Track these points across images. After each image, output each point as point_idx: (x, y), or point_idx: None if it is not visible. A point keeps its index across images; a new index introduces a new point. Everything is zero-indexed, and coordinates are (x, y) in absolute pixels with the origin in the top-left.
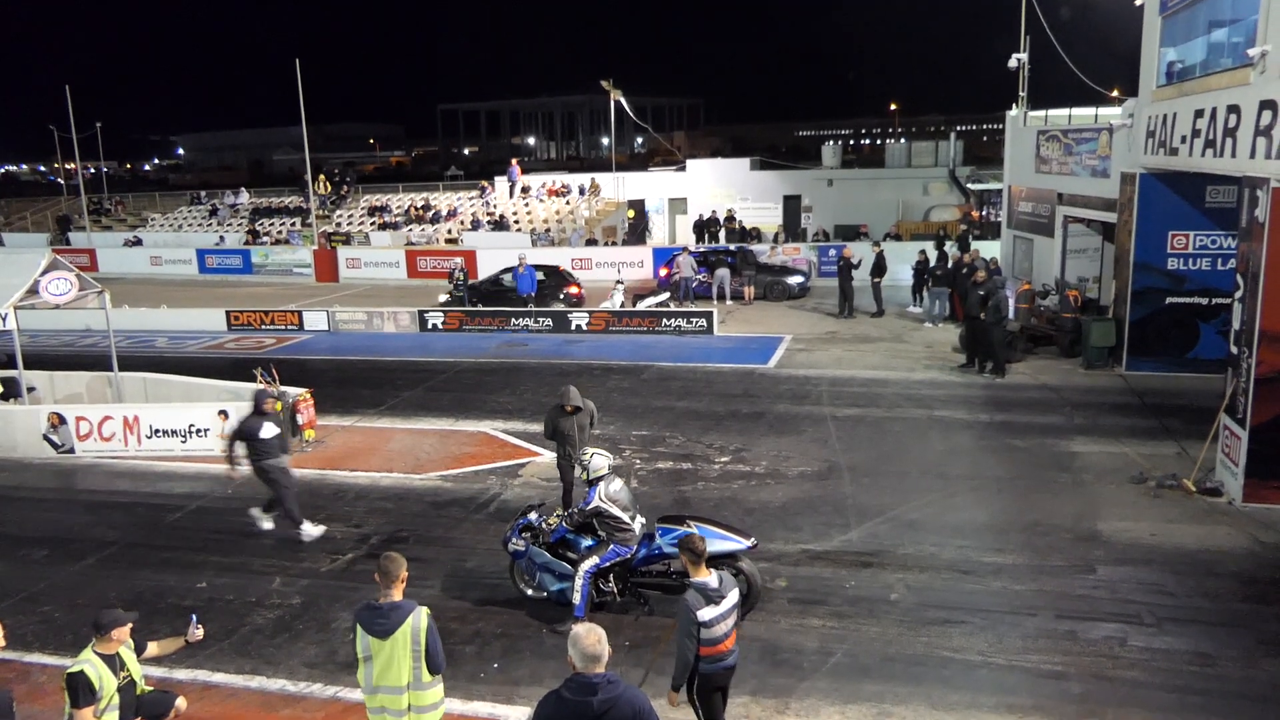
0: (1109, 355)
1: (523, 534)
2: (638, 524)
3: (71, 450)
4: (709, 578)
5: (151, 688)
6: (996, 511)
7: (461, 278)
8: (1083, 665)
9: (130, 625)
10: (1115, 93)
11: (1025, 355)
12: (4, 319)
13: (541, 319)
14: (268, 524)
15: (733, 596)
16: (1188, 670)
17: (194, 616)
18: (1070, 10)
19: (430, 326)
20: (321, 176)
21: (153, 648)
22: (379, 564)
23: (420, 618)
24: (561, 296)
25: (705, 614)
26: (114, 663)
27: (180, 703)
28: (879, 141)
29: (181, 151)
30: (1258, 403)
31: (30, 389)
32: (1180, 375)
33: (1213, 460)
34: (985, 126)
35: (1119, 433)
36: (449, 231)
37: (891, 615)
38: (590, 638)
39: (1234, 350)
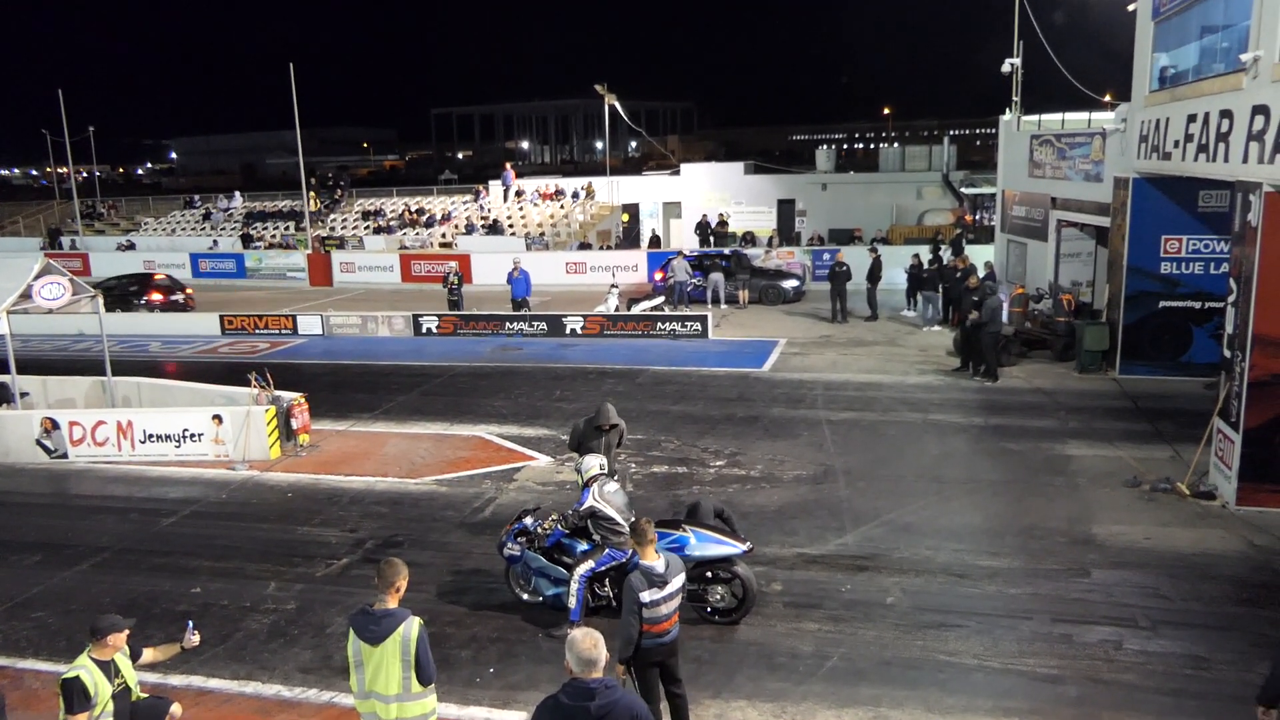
0: (1102, 359)
1: (518, 539)
2: None
3: (65, 455)
4: (656, 562)
5: (146, 694)
6: (991, 515)
7: (456, 281)
8: (1078, 669)
9: (126, 632)
10: (1109, 98)
11: (1019, 359)
12: None
13: (536, 323)
14: None
15: (677, 582)
16: (1183, 673)
17: (190, 623)
18: (1064, 15)
19: (425, 331)
20: (313, 194)
21: (148, 654)
22: (378, 567)
23: (411, 627)
24: (142, 302)
25: (647, 596)
26: (109, 669)
27: (175, 709)
28: (873, 145)
29: (174, 155)
30: (1251, 406)
31: (23, 394)
32: (1173, 379)
33: (1206, 464)
34: (979, 131)
35: (1113, 436)
36: (443, 235)
37: (887, 619)
38: (586, 642)
39: (1227, 354)
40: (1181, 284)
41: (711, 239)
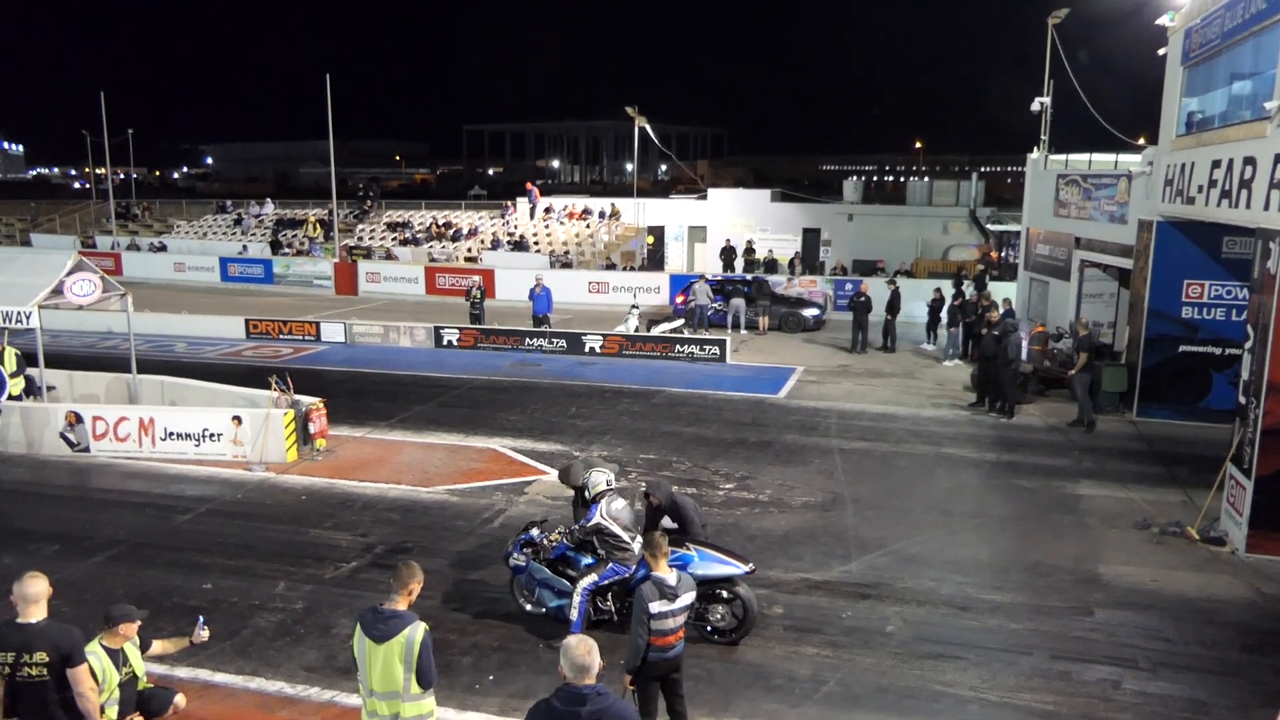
0: (1120, 401)
1: (524, 549)
2: (637, 544)
3: (87, 449)
4: (668, 575)
5: (152, 684)
6: (998, 550)
7: (478, 295)
8: (1075, 706)
9: (139, 623)
10: (1141, 140)
11: (1036, 397)
12: (28, 317)
13: (556, 340)
14: None
15: (687, 598)
16: (1180, 716)
17: (201, 619)
18: (1089, 54)
19: (445, 343)
20: (312, 218)
21: (157, 646)
22: (396, 568)
23: (416, 632)
24: None
25: (656, 607)
26: (118, 657)
27: (179, 700)
28: (901, 179)
29: (210, 161)
30: (1264, 454)
31: (50, 388)
32: (1191, 424)
33: (1218, 509)
34: (1009, 168)
35: (1126, 478)
36: (469, 250)
37: (886, 647)
38: (580, 648)
39: (1242, 400)
40: (1202, 329)
41: (738, 265)
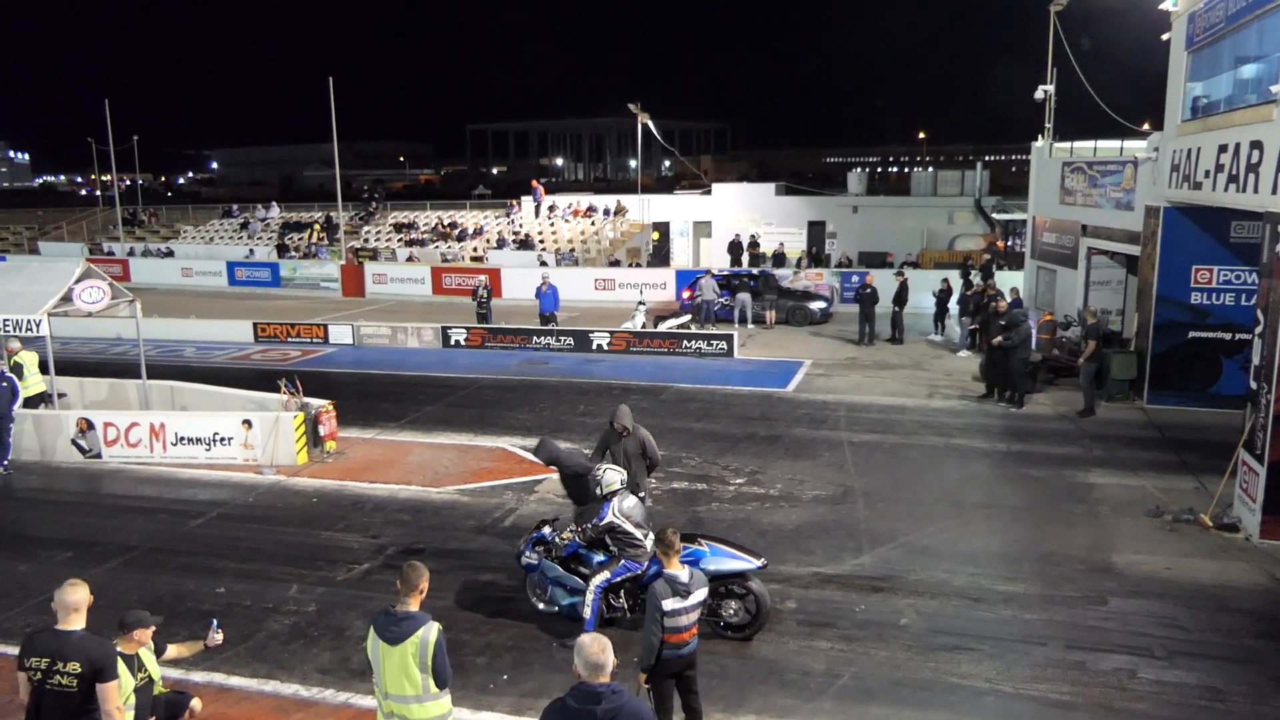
0: (1130, 388)
1: (536, 548)
2: (650, 541)
3: (99, 455)
4: (680, 571)
5: (168, 688)
6: (1010, 540)
7: (485, 295)
8: (1091, 696)
9: (153, 629)
10: (1146, 126)
11: (1045, 386)
12: (38, 325)
13: (563, 338)
14: None
15: (699, 594)
16: (1197, 704)
17: (214, 622)
18: (1099, 43)
19: (453, 343)
20: (316, 225)
21: (172, 650)
22: (401, 570)
23: (430, 632)
24: None
25: (669, 604)
26: (133, 663)
27: (195, 704)
28: (906, 169)
29: (215, 166)
30: (1276, 439)
31: (61, 395)
32: (1202, 410)
33: (1231, 496)
34: (1012, 157)
35: (1137, 466)
36: (474, 249)
37: (900, 640)
38: (594, 646)
39: (1253, 386)
40: (1212, 314)
41: (744, 259)
